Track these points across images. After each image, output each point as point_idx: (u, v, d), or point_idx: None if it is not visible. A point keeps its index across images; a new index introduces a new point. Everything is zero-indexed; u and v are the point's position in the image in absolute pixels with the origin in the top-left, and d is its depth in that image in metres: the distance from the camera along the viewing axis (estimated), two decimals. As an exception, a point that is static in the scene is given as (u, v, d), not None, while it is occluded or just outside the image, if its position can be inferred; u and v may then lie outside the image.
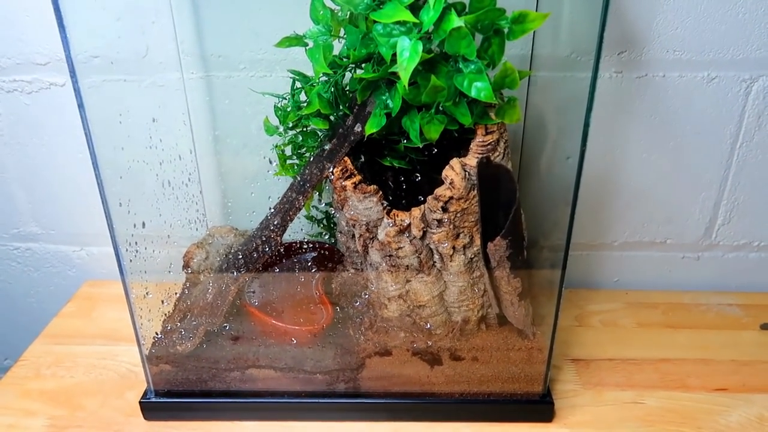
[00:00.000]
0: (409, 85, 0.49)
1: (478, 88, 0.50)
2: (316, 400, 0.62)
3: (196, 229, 0.78)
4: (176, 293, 0.70)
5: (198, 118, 0.76)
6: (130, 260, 0.59)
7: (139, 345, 0.61)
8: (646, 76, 0.74)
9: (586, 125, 0.51)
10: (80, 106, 0.50)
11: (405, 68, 0.48)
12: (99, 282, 0.90)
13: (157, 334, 0.63)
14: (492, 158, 0.56)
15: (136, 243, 0.60)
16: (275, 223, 0.58)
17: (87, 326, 0.80)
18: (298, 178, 0.59)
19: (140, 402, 0.63)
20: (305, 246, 0.72)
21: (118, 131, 0.59)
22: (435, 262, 0.61)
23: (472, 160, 0.56)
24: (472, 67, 0.50)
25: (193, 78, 0.74)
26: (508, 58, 0.54)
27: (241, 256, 0.60)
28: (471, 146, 0.56)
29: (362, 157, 0.61)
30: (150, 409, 0.63)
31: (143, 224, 0.61)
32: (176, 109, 0.73)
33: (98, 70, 0.74)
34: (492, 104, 0.55)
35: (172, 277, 0.72)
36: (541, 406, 0.62)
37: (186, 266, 0.71)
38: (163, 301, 0.65)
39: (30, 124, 0.80)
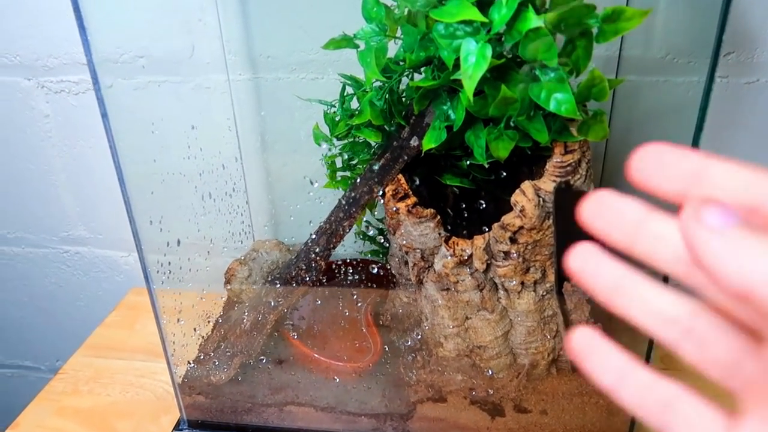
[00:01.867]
0: (475, 95, 0.42)
1: (559, 101, 0.41)
2: (359, 445, 0.56)
3: (241, 242, 0.73)
4: (211, 318, 0.65)
5: (244, 124, 0.70)
6: (162, 282, 0.54)
7: (172, 376, 0.56)
8: (757, 81, 0.62)
9: (695, 144, 0.42)
10: (104, 115, 0.45)
11: (470, 76, 0.40)
12: (145, 290, 0.87)
13: (189, 362, 0.58)
14: (572, 182, 0.47)
15: (169, 263, 0.55)
16: (318, 248, 0.52)
17: (129, 338, 0.77)
18: (343, 201, 0.52)
19: (172, 432, 0.59)
20: (354, 266, 0.65)
21: (153, 141, 0.54)
22: (500, 298, 0.52)
23: (547, 184, 0.47)
24: (552, 75, 0.42)
25: (240, 80, 0.69)
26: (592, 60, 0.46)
27: (280, 284, 0.54)
28: (547, 167, 0.47)
29: (418, 176, 0.54)
30: (183, 441, 0.59)
31: (178, 242, 0.56)
32: (220, 114, 0.68)
33: (143, 70, 0.70)
34: (574, 119, 0.46)
35: (212, 290, 0.67)
36: (621, 471, 0.53)
37: (227, 283, 0.66)
38: (195, 329, 0.60)
39: (77, 125, 0.77)
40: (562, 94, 0.41)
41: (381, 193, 0.51)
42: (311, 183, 0.59)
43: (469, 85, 0.40)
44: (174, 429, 0.59)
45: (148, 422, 0.63)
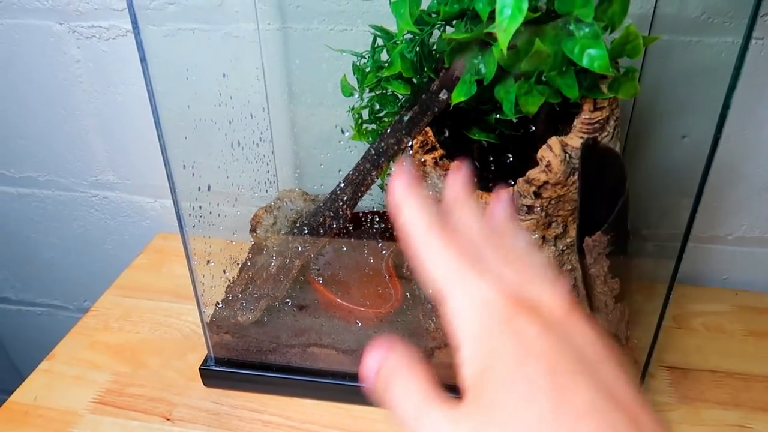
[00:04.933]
0: (508, 49, 0.42)
1: (592, 57, 0.42)
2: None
3: (266, 191, 0.75)
4: (238, 262, 0.67)
5: (272, 74, 0.71)
6: (194, 225, 0.56)
7: (201, 314, 0.59)
8: (793, 43, 0.62)
9: (726, 107, 0.42)
10: (143, 60, 0.46)
11: (505, 29, 0.40)
12: (171, 235, 0.90)
13: (218, 303, 0.61)
14: (599, 139, 0.48)
15: (200, 207, 0.57)
16: (345, 197, 0.53)
17: (155, 281, 0.79)
18: (372, 150, 0.53)
19: (200, 369, 0.62)
20: (377, 217, 0.67)
21: (185, 87, 0.55)
22: (520, 251, 0.54)
23: (575, 140, 0.48)
24: (587, 30, 0.42)
25: (269, 29, 0.69)
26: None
27: (306, 231, 0.56)
28: (575, 123, 0.48)
29: (446, 129, 0.55)
30: (209, 377, 0.62)
31: (209, 187, 0.58)
32: (249, 63, 0.69)
33: (173, 17, 0.70)
34: (605, 75, 0.46)
35: (239, 237, 0.69)
36: (629, 421, 0.55)
37: (253, 230, 0.68)
38: (224, 271, 0.62)
39: (107, 71, 0.78)
40: (595, 50, 0.41)
41: (410, 144, 0.51)
42: (342, 132, 0.60)
43: (504, 39, 0.40)
44: (201, 365, 0.62)
45: (175, 358, 0.66)
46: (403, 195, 0.26)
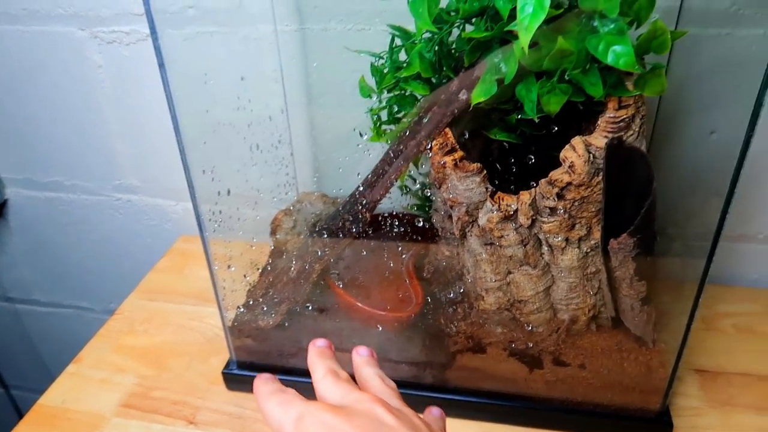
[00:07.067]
0: (529, 47, 0.41)
1: (617, 54, 0.40)
2: (401, 391, 0.57)
3: (286, 193, 0.75)
4: (258, 266, 0.67)
5: (291, 76, 0.71)
6: (214, 230, 0.56)
7: (223, 318, 0.59)
8: (828, 34, 0.59)
9: (759, 104, 0.40)
10: (161, 65, 0.46)
11: (526, 27, 0.39)
12: (193, 238, 0.90)
13: (239, 307, 0.61)
14: (624, 138, 0.46)
15: (220, 212, 0.57)
16: (365, 200, 0.53)
17: (178, 283, 0.80)
18: (391, 153, 0.52)
19: (223, 372, 0.62)
20: (398, 219, 0.66)
21: (204, 91, 0.55)
22: (543, 253, 0.53)
23: (599, 139, 0.46)
24: (612, 26, 0.40)
25: (287, 30, 0.69)
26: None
27: (326, 235, 0.56)
28: (599, 122, 0.47)
29: (464, 130, 0.54)
30: (232, 380, 0.62)
31: (228, 191, 0.58)
32: (268, 65, 0.69)
33: (192, 21, 0.71)
34: (631, 73, 0.45)
35: (260, 239, 0.69)
36: (657, 426, 0.54)
37: (273, 233, 0.68)
38: (245, 275, 0.62)
39: (129, 76, 0.79)
40: (621, 47, 0.40)
41: (429, 146, 0.51)
42: (360, 135, 0.59)
43: (525, 37, 0.39)
44: (224, 369, 0.62)
45: (198, 362, 0.67)
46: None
